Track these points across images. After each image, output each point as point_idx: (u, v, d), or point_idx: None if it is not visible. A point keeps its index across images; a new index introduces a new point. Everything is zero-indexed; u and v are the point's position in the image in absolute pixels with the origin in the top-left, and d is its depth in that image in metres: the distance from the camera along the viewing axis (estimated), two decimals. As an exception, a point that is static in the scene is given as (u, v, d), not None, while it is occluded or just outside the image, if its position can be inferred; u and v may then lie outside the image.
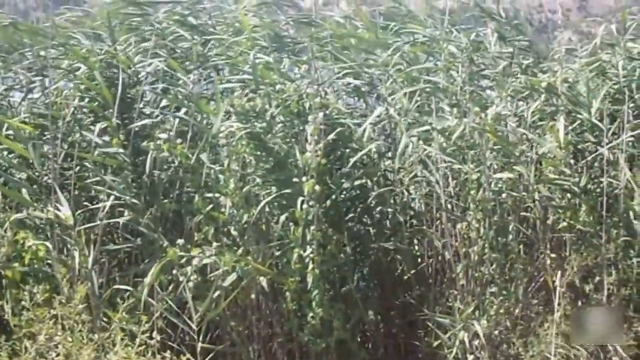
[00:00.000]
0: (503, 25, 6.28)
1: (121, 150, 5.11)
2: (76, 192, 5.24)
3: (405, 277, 5.54)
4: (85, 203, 5.34)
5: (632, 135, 5.56)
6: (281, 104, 5.18)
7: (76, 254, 4.75)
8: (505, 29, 6.29)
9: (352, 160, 5.28)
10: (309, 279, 4.87)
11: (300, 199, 4.87)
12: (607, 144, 5.38)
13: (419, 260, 5.60)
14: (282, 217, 5.03)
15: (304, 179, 4.83)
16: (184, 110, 5.40)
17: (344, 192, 5.49)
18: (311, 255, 4.86)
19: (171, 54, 5.76)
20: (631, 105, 5.93)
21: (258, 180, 5.18)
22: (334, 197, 5.26)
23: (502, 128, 5.21)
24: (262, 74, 5.36)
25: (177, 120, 5.36)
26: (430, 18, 6.43)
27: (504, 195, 5.20)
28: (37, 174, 5.23)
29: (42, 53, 5.78)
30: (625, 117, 5.47)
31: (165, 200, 5.31)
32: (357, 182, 5.48)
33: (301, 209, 4.85)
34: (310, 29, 6.16)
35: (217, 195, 5.10)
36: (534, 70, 6.13)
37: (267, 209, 5.17)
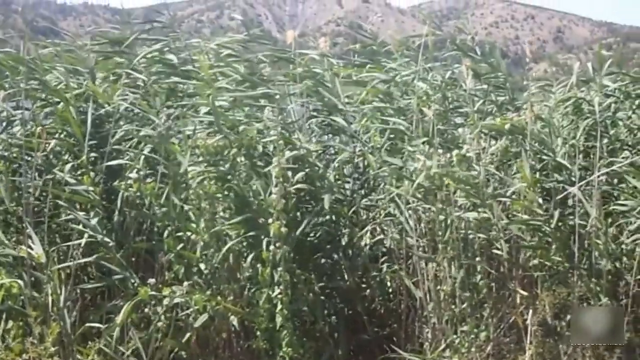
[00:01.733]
0: (478, 62, 6.33)
1: (91, 188, 5.12)
2: (51, 228, 5.27)
3: (377, 314, 5.57)
4: (60, 240, 5.35)
5: (605, 173, 5.61)
6: (246, 144, 5.22)
7: (49, 292, 4.76)
8: (480, 66, 6.33)
9: (322, 197, 5.30)
10: (278, 319, 4.87)
11: (267, 239, 4.90)
12: (578, 181, 5.42)
13: (391, 297, 5.63)
14: (250, 258, 5.06)
15: (269, 220, 4.85)
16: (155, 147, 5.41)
17: (314, 231, 5.51)
18: (279, 296, 4.86)
19: (146, 92, 5.80)
20: (605, 141, 5.99)
21: (227, 220, 5.20)
22: (303, 236, 5.28)
23: (468, 173, 5.20)
24: (226, 116, 5.44)
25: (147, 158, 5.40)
26: (405, 56, 6.47)
27: (473, 235, 5.22)
28: (9, 209, 5.26)
29: (22, 85, 5.82)
30: (598, 154, 5.49)
31: (137, 239, 5.33)
32: (327, 220, 5.50)
33: (268, 249, 4.87)
34: (287, 66, 6.21)
35: (188, 233, 5.12)
36: (509, 107, 6.19)
37: (237, 248, 5.19)
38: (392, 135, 5.72)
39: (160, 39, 6.31)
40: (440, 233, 5.11)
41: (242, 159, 5.26)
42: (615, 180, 5.97)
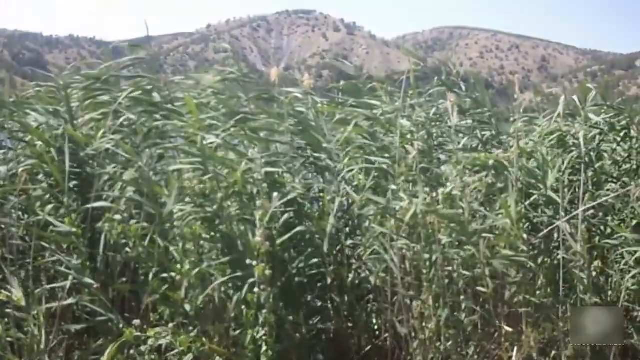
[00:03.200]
0: (463, 97, 6.35)
1: (73, 229, 5.10)
2: (37, 268, 5.25)
3: (363, 352, 5.55)
4: (46, 281, 5.33)
5: (591, 207, 5.63)
6: (231, 186, 5.22)
7: (32, 334, 4.75)
8: (465, 101, 6.36)
9: (309, 237, 5.31)
10: (263, 361, 4.86)
11: (252, 280, 4.88)
12: (564, 216, 5.41)
13: (377, 335, 5.62)
14: (236, 299, 5.02)
15: (254, 262, 4.82)
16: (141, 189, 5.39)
17: (300, 271, 5.49)
18: (264, 337, 4.84)
19: (130, 133, 5.80)
20: (590, 174, 6.01)
21: (212, 261, 5.17)
22: (290, 276, 5.27)
23: (453, 210, 5.21)
24: (212, 156, 5.40)
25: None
26: (389, 93, 6.48)
27: (457, 272, 5.20)
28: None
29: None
30: (582, 188, 5.51)
31: (121, 280, 5.31)
32: (313, 260, 5.48)
33: (253, 291, 4.85)
34: (271, 105, 6.21)
35: (172, 274, 5.10)
36: (494, 143, 6.21)
37: (222, 289, 5.17)
38: (376, 174, 5.71)
39: (145, 76, 6.30)
40: (425, 271, 5.10)
41: (229, 202, 5.26)
42: (601, 214, 5.96)
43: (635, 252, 5.43)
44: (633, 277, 5.40)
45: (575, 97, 6.67)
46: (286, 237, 5.15)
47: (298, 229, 5.29)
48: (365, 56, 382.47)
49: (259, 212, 4.80)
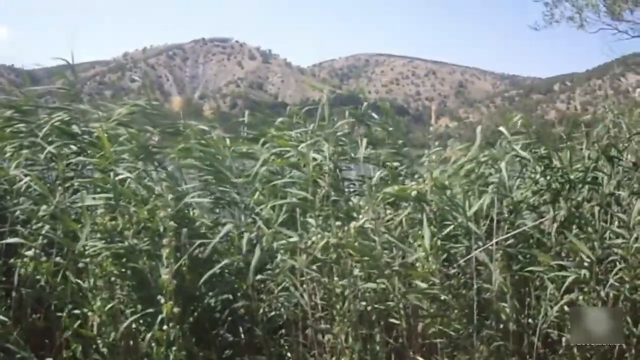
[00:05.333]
0: (376, 127, 6.37)
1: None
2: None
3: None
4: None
5: (511, 236, 5.68)
6: (141, 222, 5.21)
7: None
8: (376, 130, 6.37)
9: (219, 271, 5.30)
10: (174, 397, 4.84)
11: (162, 317, 4.85)
12: (481, 246, 5.46)
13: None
14: (148, 335, 4.99)
15: (162, 300, 4.80)
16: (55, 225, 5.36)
17: (211, 306, 5.49)
18: (175, 374, 4.82)
19: (46, 165, 5.77)
20: (508, 203, 6.06)
21: (124, 298, 5.15)
22: (202, 310, 5.26)
23: (366, 242, 5.24)
24: (123, 192, 5.39)
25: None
26: (303, 121, 6.48)
27: (370, 306, 5.22)
28: None
29: None
30: (496, 218, 5.54)
31: (34, 316, 5.27)
32: (224, 296, 5.48)
33: (162, 329, 4.83)
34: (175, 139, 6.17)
35: (85, 310, 5.07)
36: (408, 173, 6.24)
37: (134, 326, 5.15)
38: (286, 208, 5.71)
39: (63, 107, 6.27)
40: (338, 305, 5.12)
41: (139, 239, 5.24)
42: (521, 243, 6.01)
43: (558, 277, 5.53)
44: (556, 303, 5.47)
45: (502, 128, 6.69)
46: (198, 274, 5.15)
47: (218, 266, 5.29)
48: (281, 84, 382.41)
49: (165, 249, 4.80)
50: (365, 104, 6.57)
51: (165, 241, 4.84)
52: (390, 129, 6.47)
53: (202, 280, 5.10)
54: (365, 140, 6.00)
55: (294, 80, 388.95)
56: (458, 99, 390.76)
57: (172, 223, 4.93)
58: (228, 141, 6.30)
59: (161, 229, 5.10)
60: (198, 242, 5.31)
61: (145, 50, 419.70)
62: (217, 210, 6.19)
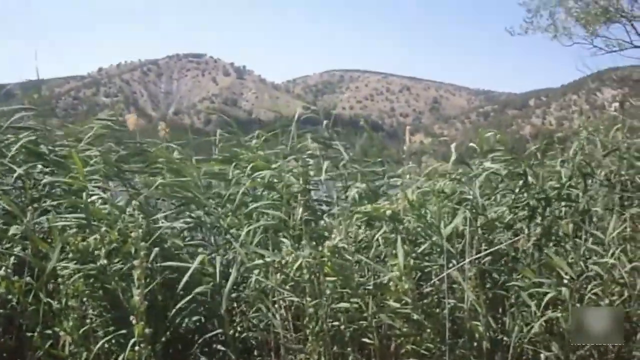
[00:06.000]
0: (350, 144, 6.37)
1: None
2: None
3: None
4: None
5: (486, 254, 5.68)
6: (113, 242, 5.18)
7: None
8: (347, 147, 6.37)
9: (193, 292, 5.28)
10: (147, 417, 4.80)
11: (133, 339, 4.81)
12: (455, 264, 5.45)
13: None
14: (120, 357, 4.95)
15: (134, 321, 4.76)
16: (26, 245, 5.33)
17: (183, 326, 5.47)
18: (148, 396, 4.79)
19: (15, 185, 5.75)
20: (483, 221, 6.07)
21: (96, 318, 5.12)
22: (172, 330, 5.24)
23: (341, 261, 5.23)
24: (94, 212, 5.37)
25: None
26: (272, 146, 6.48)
27: (344, 326, 5.21)
28: None
29: None
30: (468, 237, 5.54)
31: (6, 336, 5.24)
32: (195, 317, 5.48)
33: (134, 349, 4.79)
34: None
35: (57, 330, 5.03)
36: (383, 191, 6.24)
37: (106, 346, 5.11)
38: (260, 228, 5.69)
39: (32, 128, 6.25)
40: (310, 325, 5.10)
41: (111, 260, 5.21)
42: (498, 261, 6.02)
43: (538, 294, 5.53)
44: (533, 320, 5.47)
45: (474, 144, 6.71)
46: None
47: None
48: (255, 100, 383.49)
49: (137, 270, 4.77)
50: (325, 122, 6.56)
51: (136, 262, 4.80)
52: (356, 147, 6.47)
53: (176, 308, 5.09)
54: (326, 163, 6.02)
55: (268, 96, 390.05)
56: (433, 115, 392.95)
57: (143, 244, 4.91)
58: (194, 161, 6.29)
59: (133, 250, 5.09)
60: (171, 263, 5.30)
61: (120, 65, 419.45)
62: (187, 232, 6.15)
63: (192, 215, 5.93)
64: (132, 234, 5.00)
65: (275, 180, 5.95)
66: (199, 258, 5.11)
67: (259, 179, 6.03)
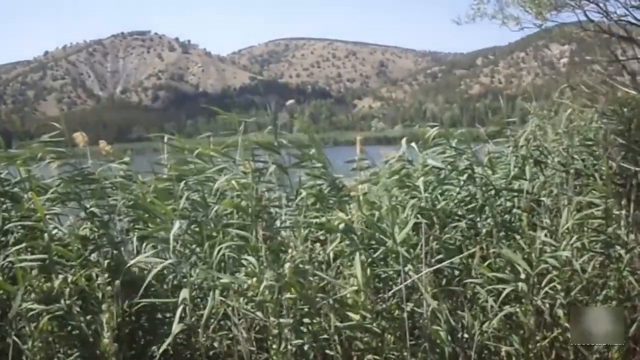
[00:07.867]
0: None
1: None
2: None
3: None
4: None
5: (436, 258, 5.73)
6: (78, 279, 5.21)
7: None
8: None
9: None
10: None
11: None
12: (411, 268, 5.50)
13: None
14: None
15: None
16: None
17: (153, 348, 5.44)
18: None
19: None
20: (433, 217, 6.12)
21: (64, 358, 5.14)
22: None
23: (300, 280, 5.25)
24: (57, 250, 5.36)
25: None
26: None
27: (307, 343, 5.25)
28: None
29: None
30: (423, 242, 5.52)
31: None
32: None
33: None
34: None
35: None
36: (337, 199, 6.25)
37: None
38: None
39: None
40: (274, 345, 5.14)
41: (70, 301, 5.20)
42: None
43: (496, 289, 5.61)
44: (494, 315, 5.55)
45: (413, 144, 6.72)
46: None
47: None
48: (201, 74, 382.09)
49: (105, 315, 4.78)
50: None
51: (104, 307, 4.82)
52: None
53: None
54: (274, 166, 6.11)
55: (214, 69, 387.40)
56: (380, 79, 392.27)
57: (109, 288, 4.90)
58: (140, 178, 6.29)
59: (100, 295, 5.10)
60: (146, 301, 5.30)
61: (66, 47, 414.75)
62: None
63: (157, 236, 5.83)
64: (99, 279, 5.02)
65: (244, 197, 5.93)
66: (183, 292, 5.14)
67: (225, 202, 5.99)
